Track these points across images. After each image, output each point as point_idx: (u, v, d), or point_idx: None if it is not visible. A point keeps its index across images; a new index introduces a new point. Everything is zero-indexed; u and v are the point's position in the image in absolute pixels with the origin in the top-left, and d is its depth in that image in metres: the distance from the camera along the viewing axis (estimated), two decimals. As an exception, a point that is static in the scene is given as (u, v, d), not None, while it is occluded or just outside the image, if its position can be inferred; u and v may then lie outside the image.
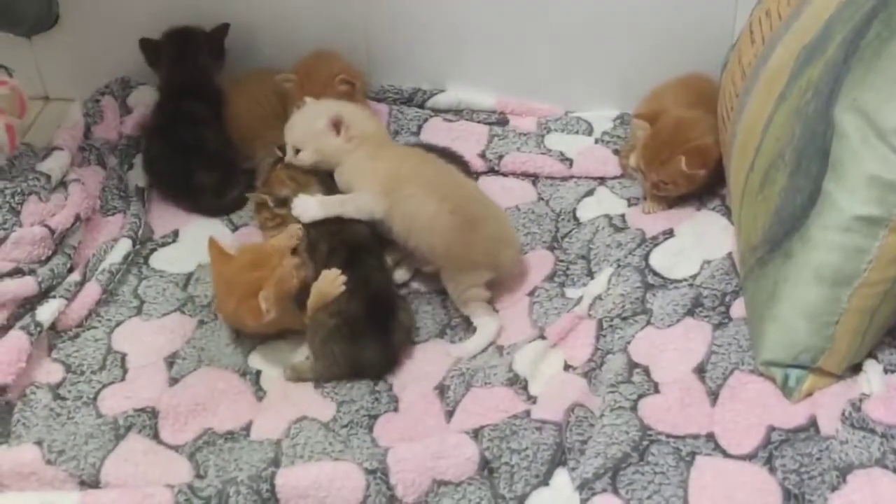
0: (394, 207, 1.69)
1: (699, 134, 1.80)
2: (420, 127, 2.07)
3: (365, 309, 1.60)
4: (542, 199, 1.92)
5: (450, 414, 1.51)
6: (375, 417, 1.52)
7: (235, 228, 1.91)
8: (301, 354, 1.64)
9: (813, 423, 1.38)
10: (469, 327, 1.66)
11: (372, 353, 1.59)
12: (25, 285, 1.68)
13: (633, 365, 1.51)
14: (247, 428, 1.51)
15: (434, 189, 1.69)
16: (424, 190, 1.68)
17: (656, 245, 1.73)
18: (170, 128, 1.96)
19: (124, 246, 1.81)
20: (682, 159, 1.75)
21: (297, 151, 1.76)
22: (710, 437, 1.39)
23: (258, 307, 1.53)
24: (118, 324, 1.70)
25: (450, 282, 1.70)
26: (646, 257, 1.71)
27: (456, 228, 1.67)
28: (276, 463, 1.43)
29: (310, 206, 1.70)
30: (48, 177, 1.85)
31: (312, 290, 1.62)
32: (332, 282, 1.61)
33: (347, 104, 1.82)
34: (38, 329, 1.61)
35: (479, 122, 2.10)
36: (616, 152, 1.99)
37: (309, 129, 1.76)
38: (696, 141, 1.79)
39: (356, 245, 1.68)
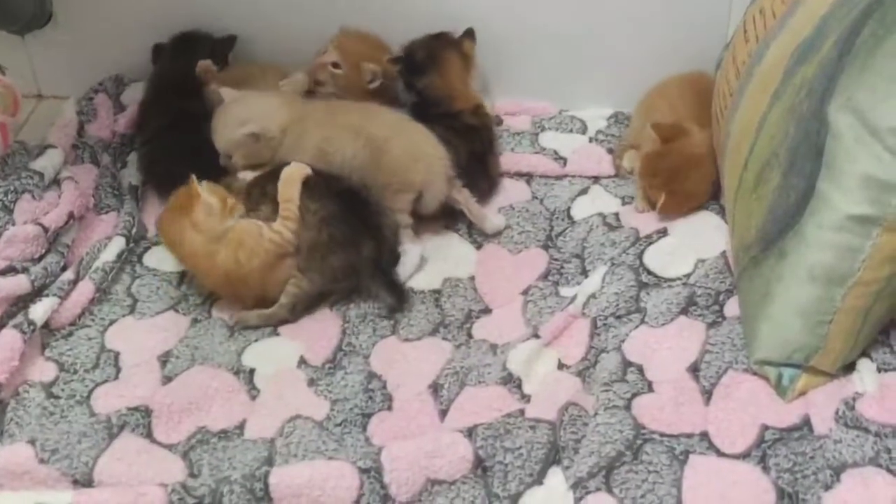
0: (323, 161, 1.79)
1: (698, 178, 1.79)
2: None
3: (343, 204, 1.69)
4: (536, 197, 1.92)
5: (444, 413, 1.51)
6: (369, 416, 1.51)
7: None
8: (292, 350, 1.64)
9: (806, 422, 1.38)
10: (462, 326, 1.66)
11: (369, 248, 1.68)
12: (18, 283, 1.67)
13: (626, 364, 1.51)
14: (240, 427, 1.51)
15: (350, 134, 1.80)
16: (342, 143, 1.80)
17: (650, 244, 1.73)
18: (172, 128, 1.93)
19: (118, 244, 1.80)
20: (661, 198, 1.76)
21: (229, 157, 1.81)
22: (704, 435, 1.39)
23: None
24: (111, 322, 1.69)
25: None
26: (640, 256, 1.71)
27: (367, 161, 1.78)
28: (269, 462, 1.43)
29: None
30: (41, 175, 1.84)
31: (280, 178, 1.68)
32: (294, 164, 1.70)
33: (256, 100, 1.86)
34: (32, 327, 1.60)
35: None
36: (610, 151, 1.99)
37: (230, 138, 1.81)
38: (689, 185, 1.79)
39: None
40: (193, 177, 1.68)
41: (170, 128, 1.94)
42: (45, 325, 1.65)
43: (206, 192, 1.66)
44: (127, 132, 2.07)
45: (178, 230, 1.69)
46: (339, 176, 1.76)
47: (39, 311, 1.64)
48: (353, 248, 1.68)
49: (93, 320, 1.69)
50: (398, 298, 1.69)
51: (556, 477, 1.38)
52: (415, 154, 1.79)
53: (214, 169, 1.83)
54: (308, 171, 1.70)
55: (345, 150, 1.79)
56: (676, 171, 1.78)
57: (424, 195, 1.79)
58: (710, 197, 1.80)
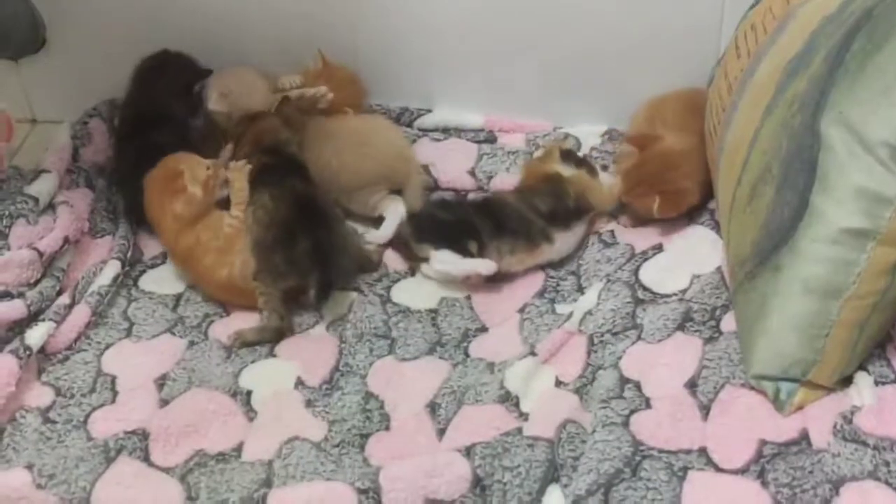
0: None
1: (681, 175, 1.79)
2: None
3: (294, 212, 1.74)
4: (532, 215, 1.92)
5: (441, 432, 1.51)
6: (367, 436, 1.51)
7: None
8: (288, 371, 1.64)
9: (805, 437, 1.37)
10: (459, 344, 1.67)
11: (304, 246, 1.70)
12: (14, 308, 1.67)
13: (624, 380, 1.51)
14: (238, 449, 1.50)
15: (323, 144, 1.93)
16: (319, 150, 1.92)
17: (646, 260, 1.73)
18: (140, 165, 1.88)
19: (113, 268, 1.80)
20: (656, 201, 1.76)
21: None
22: (703, 451, 1.39)
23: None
24: (108, 346, 1.69)
25: (354, 203, 1.94)
26: (635, 272, 1.71)
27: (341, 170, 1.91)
28: (268, 484, 1.43)
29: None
30: (36, 200, 1.85)
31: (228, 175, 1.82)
32: (234, 165, 1.82)
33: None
34: (28, 352, 1.60)
35: (467, 140, 2.10)
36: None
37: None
38: (675, 183, 1.79)
39: (281, 165, 1.84)
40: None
41: (137, 165, 1.89)
42: (42, 349, 1.64)
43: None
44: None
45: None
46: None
47: (35, 335, 1.63)
48: (290, 245, 1.71)
49: (89, 344, 1.69)
50: (321, 294, 1.70)
51: (554, 495, 1.38)
52: (394, 154, 1.95)
53: None
54: (248, 167, 1.81)
55: (320, 159, 1.91)
56: (660, 174, 1.79)
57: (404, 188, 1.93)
58: (704, 194, 1.81)
